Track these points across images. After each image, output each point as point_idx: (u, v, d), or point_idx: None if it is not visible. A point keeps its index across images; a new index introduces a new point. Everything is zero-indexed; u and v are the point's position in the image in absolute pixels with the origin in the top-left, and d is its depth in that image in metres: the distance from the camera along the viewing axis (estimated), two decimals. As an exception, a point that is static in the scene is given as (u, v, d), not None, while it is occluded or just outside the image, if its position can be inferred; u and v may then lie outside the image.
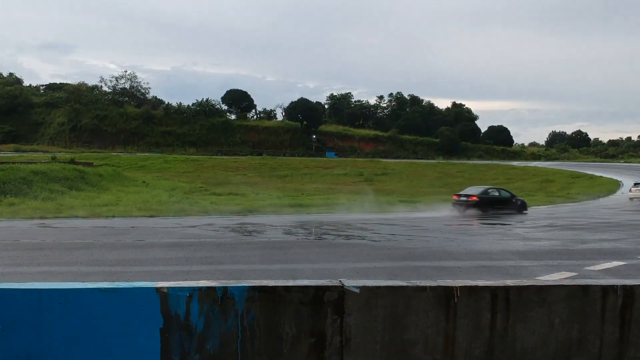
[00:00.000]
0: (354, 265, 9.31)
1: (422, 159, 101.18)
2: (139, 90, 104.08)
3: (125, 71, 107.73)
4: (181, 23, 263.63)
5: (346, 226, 17.41)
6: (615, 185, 50.15)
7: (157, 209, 23.37)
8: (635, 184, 44.46)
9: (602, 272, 9.09)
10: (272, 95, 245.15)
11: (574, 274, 8.80)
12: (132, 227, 16.45)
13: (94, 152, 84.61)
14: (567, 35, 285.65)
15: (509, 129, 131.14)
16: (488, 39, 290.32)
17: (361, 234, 14.82)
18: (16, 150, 79.37)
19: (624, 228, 17.16)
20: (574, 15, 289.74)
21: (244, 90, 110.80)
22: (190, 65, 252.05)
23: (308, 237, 13.41)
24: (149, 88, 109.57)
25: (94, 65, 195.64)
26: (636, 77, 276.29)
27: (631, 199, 37.06)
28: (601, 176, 58.50)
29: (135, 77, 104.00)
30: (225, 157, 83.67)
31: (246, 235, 14.59)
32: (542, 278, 8.42)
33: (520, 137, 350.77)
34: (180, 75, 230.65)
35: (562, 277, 8.51)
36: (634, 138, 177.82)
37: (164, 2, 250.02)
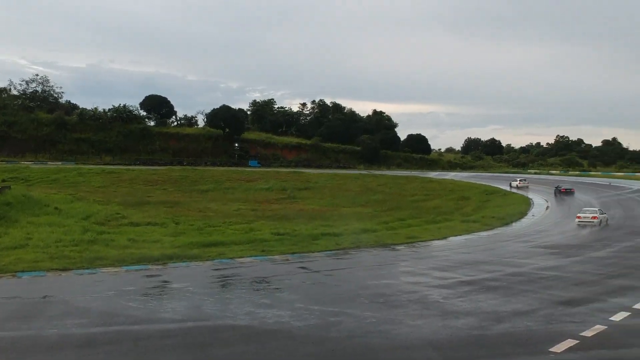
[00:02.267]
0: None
1: (344, 167, 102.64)
2: (52, 95, 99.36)
3: (37, 75, 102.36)
4: (98, 18, 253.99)
5: (267, 287, 17.23)
6: (526, 204, 52.88)
7: (69, 255, 22.43)
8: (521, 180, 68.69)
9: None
10: (194, 96, 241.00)
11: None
12: (43, 297, 15.56)
13: (3, 160, 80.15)
14: (483, 40, 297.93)
15: (428, 131, 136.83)
16: (408, 43, 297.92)
17: (282, 309, 14.60)
18: None
19: (534, 285, 17.88)
20: (490, 22, 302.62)
21: (163, 95, 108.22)
22: (107, 63, 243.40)
23: (228, 321, 13.11)
24: (62, 92, 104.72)
25: (2, 61, 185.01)
26: (545, 83, 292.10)
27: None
28: (513, 193, 61.63)
29: (48, 80, 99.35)
30: (144, 167, 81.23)
31: (165, 313, 14.08)
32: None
33: (439, 139, 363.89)
34: (97, 73, 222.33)
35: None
36: (543, 143, 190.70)
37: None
